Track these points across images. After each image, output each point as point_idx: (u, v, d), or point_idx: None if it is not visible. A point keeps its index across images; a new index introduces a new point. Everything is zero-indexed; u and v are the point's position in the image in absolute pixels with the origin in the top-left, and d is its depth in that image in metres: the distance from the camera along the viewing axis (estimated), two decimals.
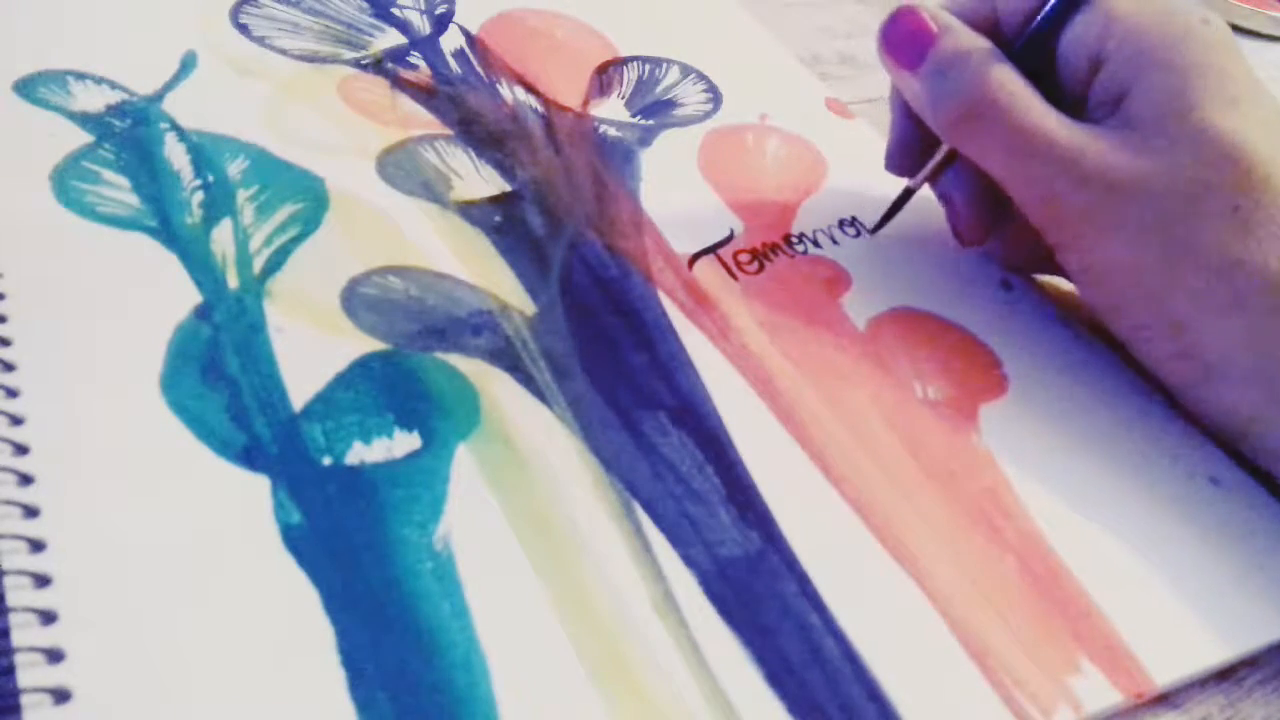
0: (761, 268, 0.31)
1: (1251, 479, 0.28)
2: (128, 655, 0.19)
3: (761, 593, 0.23)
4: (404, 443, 0.24)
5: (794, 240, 0.33)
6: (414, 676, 0.20)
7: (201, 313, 0.26)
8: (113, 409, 0.23)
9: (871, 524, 0.25)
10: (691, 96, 0.38)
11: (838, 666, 0.22)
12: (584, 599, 0.22)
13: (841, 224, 0.34)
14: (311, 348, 0.26)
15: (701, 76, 0.39)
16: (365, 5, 0.39)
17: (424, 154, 0.32)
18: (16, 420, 0.22)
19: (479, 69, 0.37)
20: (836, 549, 0.24)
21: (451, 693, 0.20)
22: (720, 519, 0.24)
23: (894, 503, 0.25)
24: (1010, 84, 0.28)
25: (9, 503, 0.21)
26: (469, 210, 0.31)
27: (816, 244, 0.33)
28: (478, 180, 0.32)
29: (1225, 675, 0.24)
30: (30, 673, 0.19)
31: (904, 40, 0.29)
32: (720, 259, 0.31)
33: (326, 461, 0.23)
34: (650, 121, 0.36)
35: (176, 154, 0.30)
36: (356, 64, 0.36)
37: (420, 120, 0.34)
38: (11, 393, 0.23)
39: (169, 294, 0.26)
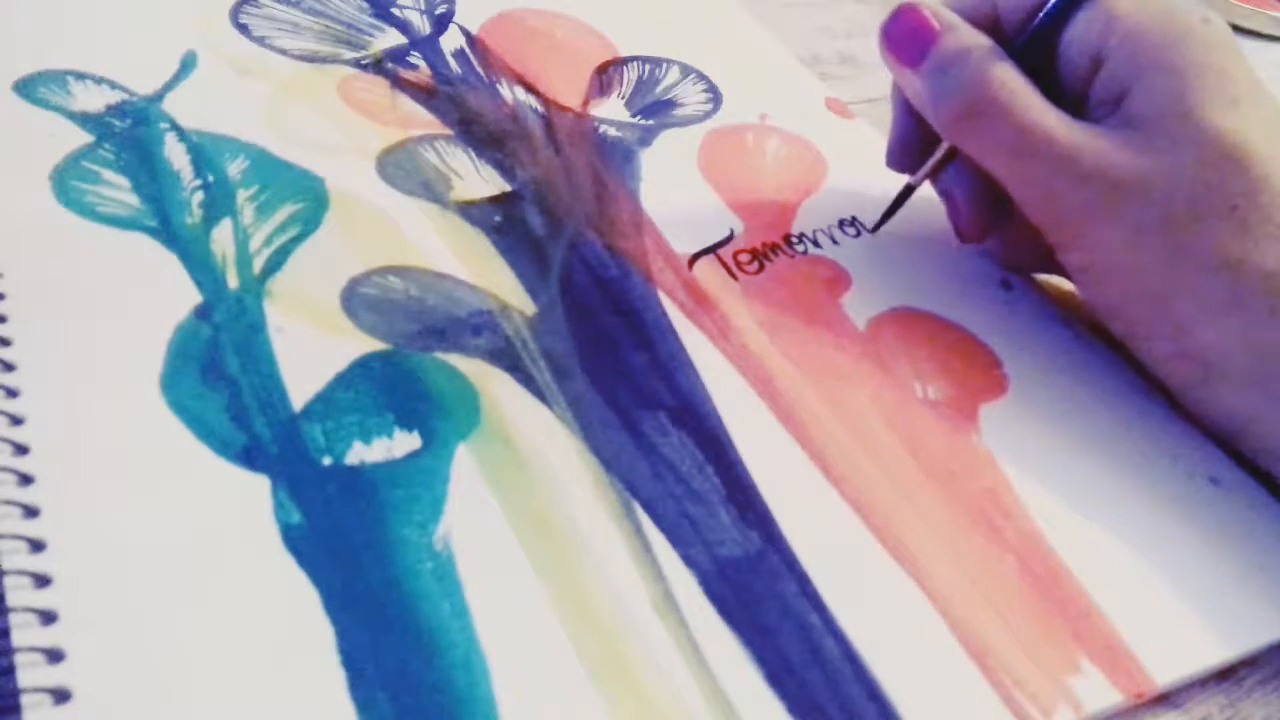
0: (761, 268, 0.31)
1: (1251, 479, 0.28)
2: (128, 655, 0.19)
3: (761, 593, 0.23)
4: (404, 443, 0.24)
5: (794, 240, 0.33)
6: (414, 676, 0.20)
7: (201, 313, 0.26)
8: (113, 409, 0.23)
9: (871, 524, 0.25)
10: (691, 96, 0.38)
11: (838, 666, 0.22)
12: (584, 599, 0.22)
13: (841, 224, 0.34)
14: (311, 348, 0.26)
15: (701, 76, 0.39)
16: (365, 5, 0.39)
17: (424, 154, 0.32)
18: (16, 420, 0.22)
19: (479, 69, 0.37)
20: (836, 549, 0.24)
21: (451, 693, 0.20)
22: (720, 519, 0.24)
23: (894, 503, 0.25)
24: (1011, 82, 0.28)
25: (9, 503, 0.21)
26: (469, 210, 0.31)
27: (816, 244, 0.33)
28: (478, 180, 0.32)
29: (1225, 675, 0.24)
30: (30, 673, 0.19)
31: (905, 37, 0.29)
32: (720, 259, 0.31)
33: (326, 461, 0.23)
34: (650, 121, 0.36)
35: (176, 154, 0.30)
36: (356, 64, 0.36)
37: (420, 120, 0.34)
38: (11, 393, 0.23)
39: (169, 294, 0.26)
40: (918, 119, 0.31)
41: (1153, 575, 0.25)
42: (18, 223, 0.27)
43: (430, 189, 0.31)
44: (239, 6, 0.37)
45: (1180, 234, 0.26)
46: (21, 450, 0.22)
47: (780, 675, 0.21)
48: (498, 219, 0.31)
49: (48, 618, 0.19)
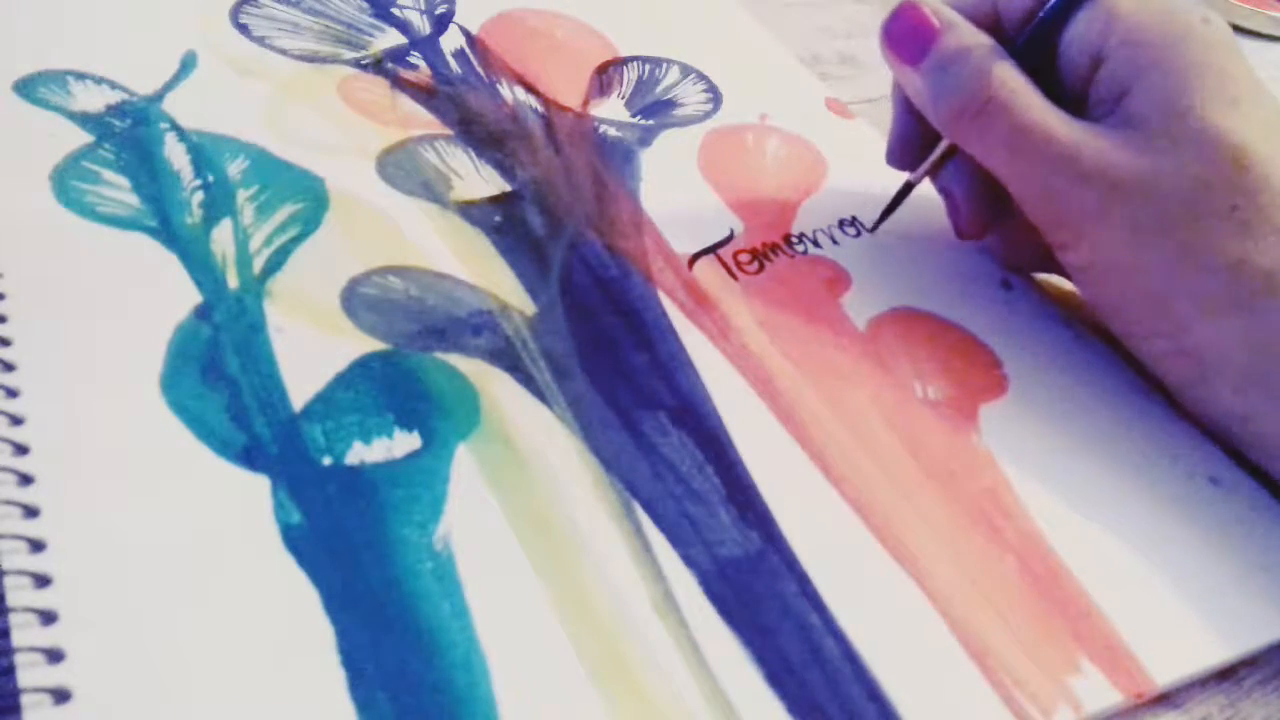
0: (761, 268, 0.31)
1: (1251, 479, 0.27)
2: (128, 655, 0.19)
3: (761, 593, 0.23)
4: (404, 443, 0.24)
5: (794, 240, 0.33)
6: (414, 676, 0.20)
7: (201, 313, 0.26)
8: (113, 409, 0.23)
9: (871, 524, 0.25)
10: (691, 96, 0.38)
11: (838, 666, 0.22)
12: (584, 599, 0.22)
13: (841, 224, 0.34)
14: (311, 348, 0.26)
15: (701, 76, 0.39)
16: (365, 5, 0.39)
17: (424, 154, 0.32)
18: (16, 420, 0.22)
19: (479, 69, 0.37)
20: (836, 549, 0.24)
21: (451, 693, 0.20)
22: (720, 519, 0.24)
23: (894, 503, 0.25)
24: (1011, 81, 0.28)
25: (9, 503, 0.21)
26: (469, 210, 0.31)
27: (816, 244, 0.33)
28: (478, 180, 0.32)
29: (1225, 675, 0.24)
30: (30, 673, 0.19)
31: (906, 35, 0.29)
32: (720, 259, 0.31)
33: (326, 461, 0.23)
34: (650, 121, 0.36)
35: (176, 154, 0.30)
36: (356, 64, 0.36)
37: (420, 120, 0.34)
38: (11, 393, 0.23)
39: (169, 294, 0.26)
40: (918, 117, 0.31)
41: (1153, 575, 0.25)
42: (18, 223, 0.27)
43: (430, 189, 0.31)
44: (239, 6, 0.37)
45: (1179, 233, 0.26)
46: (21, 450, 0.22)
47: (780, 675, 0.21)
48: (498, 219, 0.31)
49: (48, 618, 0.19)
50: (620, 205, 0.32)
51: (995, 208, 0.31)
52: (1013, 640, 0.23)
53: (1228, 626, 0.24)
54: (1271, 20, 0.54)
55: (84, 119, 0.30)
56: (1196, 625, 0.24)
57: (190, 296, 0.26)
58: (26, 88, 0.31)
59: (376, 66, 0.36)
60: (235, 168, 0.30)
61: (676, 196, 0.33)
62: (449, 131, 0.34)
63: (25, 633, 0.19)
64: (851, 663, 0.22)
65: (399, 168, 0.32)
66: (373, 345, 0.26)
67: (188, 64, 0.34)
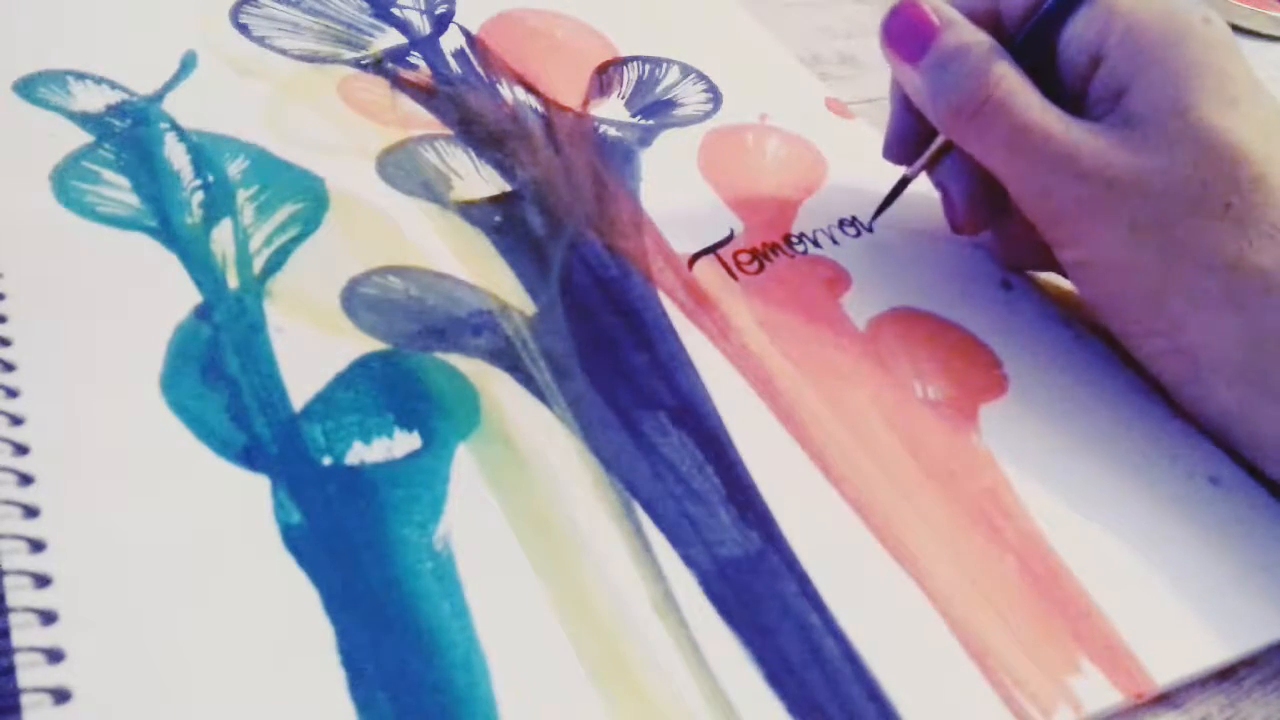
0: (761, 268, 0.31)
1: (1251, 479, 0.28)
2: (128, 655, 0.19)
3: (761, 593, 0.23)
4: (404, 443, 0.24)
5: (794, 240, 0.33)
6: (414, 676, 0.20)
7: (201, 313, 0.26)
8: (113, 409, 0.23)
9: (871, 524, 0.25)
10: (691, 96, 0.38)
11: (838, 666, 0.22)
12: (584, 599, 0.22)
13: (841, 224, 0.34)
14: (311, 348, 0.26)
15: (701, 76, 0.39)
16: (365, 5, 0.39)
17: (424, 154, 0.32)
18: (16, 420, 0.22)
19: (479, 69, 0.37)
20: (836, 549, 0.24)
21: (451, 693, 0.20)
22: (720, 519, 0.24)
23: (894, 503, 0.25)
24: (1010, 79, 0.28)
25: (9, 503, 0.21)
26: (469, 210, 0.31)
27: (816, 244, 0.33)
28: (478, 180, 0.32)
29: (1225, 675, 0.24)
30: (30, 673, 0.19)
31: (906, 33, 0.29)
32: (720, 259, 0.31)
33: (326, 461, 0.23)
34: (650, 121, 0.36)
35: (176, 154, 0.30)
36: (356, 64, 0.36)
37: (420, 120, 0.34)
38: (11, 393, 0.23)
39: (169, 294, 0.26)
40: (916, 113, 0.31)
41: (1153, 575, 0.25)
42: (18, 223, 0.27)
43: (430, 189, 0.31)
44: (239, 6, 0.37)
45: (1176, 232, 0.26)
46: (21, 450, 0.22)
47: (780, 675, 0.21)
48: (498, 219, 0.31)
49: (48, 618, 0.19)
50: (620, 205, 0.32)
51: (991, 203, 0.31)
52: (1013, 640, 0.23)
53: (1228, 626, 0.24)
54: (1271, 20, 0.54)
55: (84, 119, 0.30)
56: (1196, 625, 0.24)
57: (190, 296, 0.26)
58: (26, 88, 0.31)
59: (376, 66, 0.36)
60: (235, 168, 0.30)
61: (676, 196, 0.33)
62: (449, 131, 0.34)
63: (25, 633, 0.19)
64: (851, 663, 0.22)
65: (399, 168, 0.32)
66: (373, 345, 0.26)
67: (188, 64, 0.34)
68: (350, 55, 0.36)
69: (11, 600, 0.19)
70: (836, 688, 0.21)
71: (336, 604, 0.21)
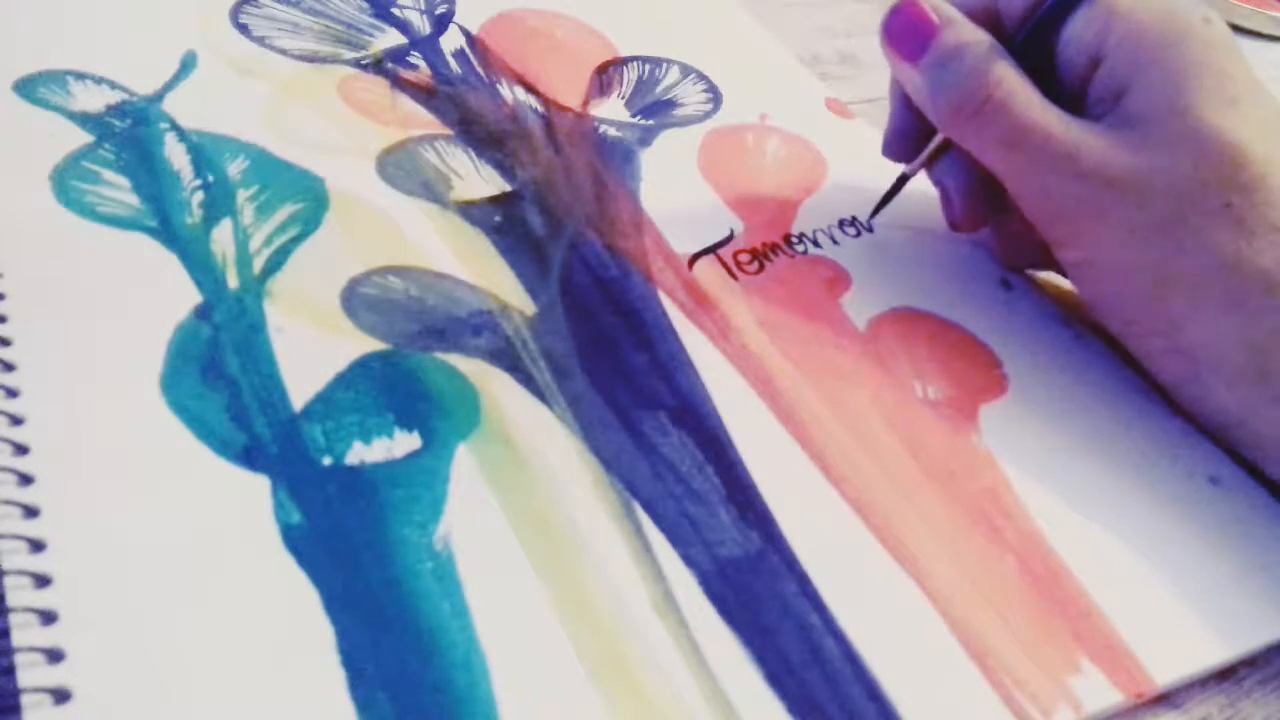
0: (761, 268, 0.31)
1: (1251, 479, 0.28)
2: (128, 655, 0.19)
3: (761, 593, 0.23)
4: (404, 443, 0.24)
5: (794, 240, 0.33)
6: (414, 676, 0.20)
7: (201, 313, 0.26)
8: (113, 409, 0.23)
9: (871, 524, 0.25)
10: (691, 96, 0.38)
11: (838, 666, 0.22)
12: (584, 599, 0.22)
13: (841, 224, 0.34)
14: (311, 348, 0.26)
15: (701, 76, 0.39)
16: (365, 5, 0.39)
17: (424, 154, 0.32)
18: (16, 420, 0.22)
19: (479, 69, 0.37)
20: (836, 549, 0.24)
21: (451, 693, 0.20)
22: (720, 519, 0.24)
23: (894, 503, 0.25)
24: (1010, 79, 0.28)
25: (9, 503, 0.21)
26: (469, 210, 0.31)
27: (816, 244, 0.33)
28: (478, 180, 0.32)
29: (1225, 675, 0.24)
30: (30, 673, 0.19)
31: (906, 31, 0.29)
32: (720, 259, 0.31)
33: (326, 461, 0.23)
34: (650, 121, 0.36)
35: (176, 154, 0.30)
36: (356, 64, 0.36)
37: (420, 120, 0.34)
38: (11, 393, 0.23)
39: (169, 294, 0.26)
40: (915, 111, 0.31)
41: (1153, 575, 0.25)
42: (18, 223, 0.27)
43: (430, 189, 0.31)
44: (239, 6, 0.37)
45: (1175, 231, 0.26)
46: (21, 450, 0.22)
47: (780, 675, 0.21)
48: (498, 219, 0.31)
49: (48, 618, 0.19)
50: (620, 205, 0.32)
51: (989, 201, 0.31)
52: (1013, 640, 0.23)
53: (1228, 626, 0.24)
54: (1271, 20, 0.54)
55: (84, 119, 0.30)
56: (1196, 625, 0.24)
57: (190, 296, 0.26)
58: (26, 88, 0.31)
59: (376, 66, 0.36)
60: (235, 168, 0.30)
61: (676, 196, 0.33)
62: (449, 131, 0.34)
63: (25, 633, 0.19)
64: (851, 663, 0.22)
65: (399, 168, 0.32)
66: (373, 345, 0.26)
67: (188, 64, 0.34)
68: (350, 55, 0.36)
69: (11, 600, 0.19)
70: (836, 688, 0.21)
71: (336, 604, 0.21)
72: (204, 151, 0.30)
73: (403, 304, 0.27)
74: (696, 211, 0.33)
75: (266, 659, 0.20)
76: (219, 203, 0.29)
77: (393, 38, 0.37)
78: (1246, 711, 0.23)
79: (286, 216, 0.29)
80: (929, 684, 0.22)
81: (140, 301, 0.26)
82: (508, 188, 0.32)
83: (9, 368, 0.23)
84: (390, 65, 0.36)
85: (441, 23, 0.39)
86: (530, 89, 0.36)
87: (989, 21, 0.30)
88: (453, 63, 0.37)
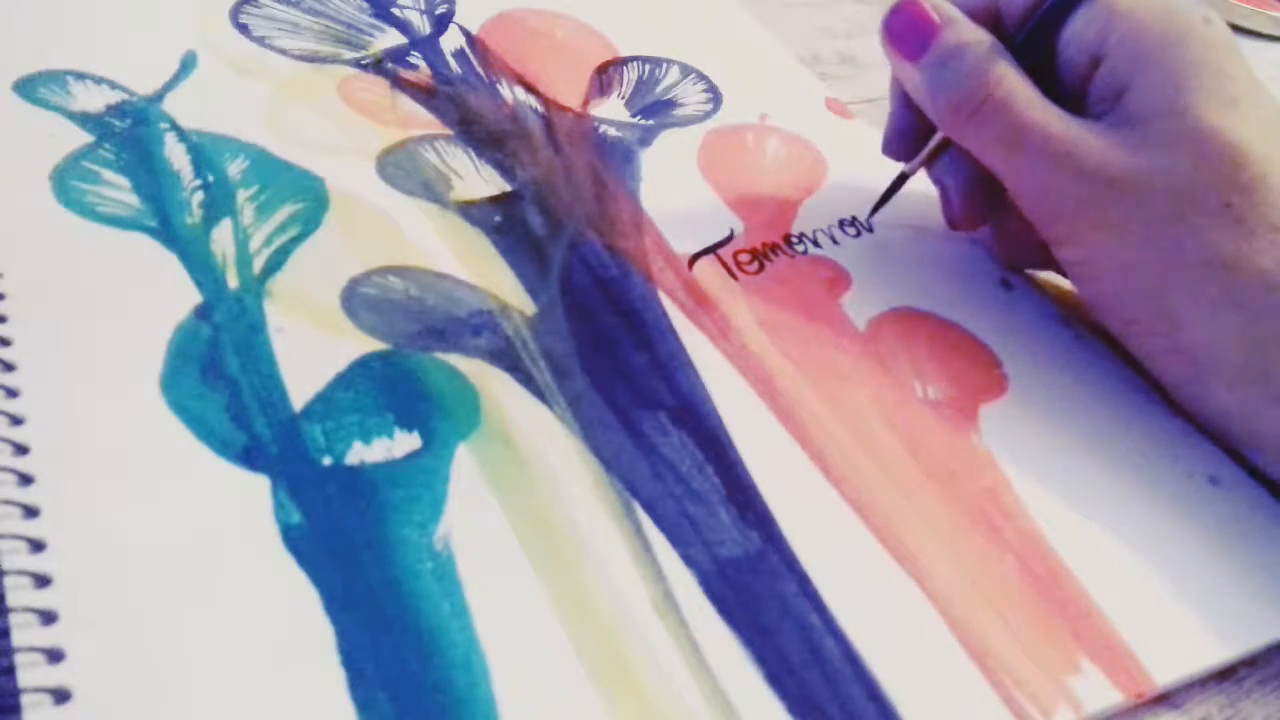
0: (761, 268, 0.31)
1: (1251, 478, 0.28)
2: (128, 655, 0.19)
3: (761, 593, 0.23)
4: (404, 443, 0.24)
5: (794, 240, 0.33)
6: (414, 676, 0.20)
7: (201, 313, 0.26)
8: (113, 409, 0.23)
9: (871, 524, 0.25)
10: (691, 96, 0.38)
11: (838, 666, 0.22)
12: (584, 599, 0.22)
13: (841, 224, 0.34)
14: (311, 348, 0.26)
15: (701, 76, 0.39)
16: (365, 5, 0.39)
17: (424, 154, 0.32)
18: (16, 420, 0.22)
19: (479, 69, 0.37)
20: (836, 549, 0.24)
21: (451, 693, 0.20)
22: (720, 519, 0.24)
23: (894, 503, 0.25)
24: (1010, 78, 0.28)
25: (9, 503, 0.21)
26: (469, 210, 0.31)
27: (816, 244, 0.33)
28: (478, 180, 0.32)
29: (1225, 675, 0.24)
30: (30, 673, 0.19)
31: (906, 30, 0.29)
32: (720, 259, 0.31)
33: (326, 461, 0.23)
34: (650, 121, 0.36)
35: (176, 154, 0.30)
36: (356, 64, 0.36)
37: (420, 120, 0.34)
38: (11, 393, 0.23)
39: (169, 294, 0.26)
40: (915, 109, 0.31)
41: (1153, 575, 0.25)
42: (18, 223, 0.27)
43: (430, 189, 0.31)
44: (239, 6, 0.37)
45: (1174, 231, 0.26)
46: (21, 450, 0.22)
47: (780, 675, 0.21)
48: (498, 219, 0.31)
49: (48, 618, 0.19)
50: (620, 205, 0.32)
51: (989, 201, 0.31)
52: (1013, 640, 0.23)
53: (1228, 626, 0.24)
54: (1271, 20, 0.54)
55: (84, 119, 0.30)
56: (1196, 625, 0.24)
57: (190, 296, 0.26)
58: (26, 88, 0.31)
59: (376, 66, 0.36)
60: (235, 168, 0.30)
61: (676, 196, 0.33)
62: (449, 131, 0.34)
63: (25, 633, 0.19)
64: (851, 663, 0.22)
65: (399, 168, 0.32)
66: (373, 345, 0.26)
67: (188, 64, 0.34)
68: (350, 55, 0.36)
69: (11, 600, 0.19)
70: (836, 688, 0.21)
71: (336, 604, 0.21)
72: (204, 151, 0.30)
73: (403, 304, 0.27)
74: (696, 211, 0.33)
75: (266, 659, 0.20)
76: (219, 203, 0.29)
77: (393, 38, 0.37)
78: (1246, 711, 0.23)
79: (286, 216, 0.29)
80: (929, 684, 0.22)
81: (140, 301, 0.26)
82: (508, 188, 0.32)
83: (9, 368, 0.23)
84: (390, 65, 0.36)
85: (441, 23, 0.39)
86: (530, 89, 0.36)
87: (989, 21, 0.30)
88: (453, 63, 0.37)
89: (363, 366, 0.25)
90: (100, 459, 0.22)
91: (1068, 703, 0.22)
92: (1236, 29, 0.52)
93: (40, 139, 0.29)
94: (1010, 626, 0.23)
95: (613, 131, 0.35)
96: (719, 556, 0.23)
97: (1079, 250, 0.28)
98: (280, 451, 0.23)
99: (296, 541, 0.22)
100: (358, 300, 0.27)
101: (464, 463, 0.24)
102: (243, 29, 0.36)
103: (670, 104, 0.37)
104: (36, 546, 0.20)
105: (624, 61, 0.39)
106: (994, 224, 0.33)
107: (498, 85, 0.36)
